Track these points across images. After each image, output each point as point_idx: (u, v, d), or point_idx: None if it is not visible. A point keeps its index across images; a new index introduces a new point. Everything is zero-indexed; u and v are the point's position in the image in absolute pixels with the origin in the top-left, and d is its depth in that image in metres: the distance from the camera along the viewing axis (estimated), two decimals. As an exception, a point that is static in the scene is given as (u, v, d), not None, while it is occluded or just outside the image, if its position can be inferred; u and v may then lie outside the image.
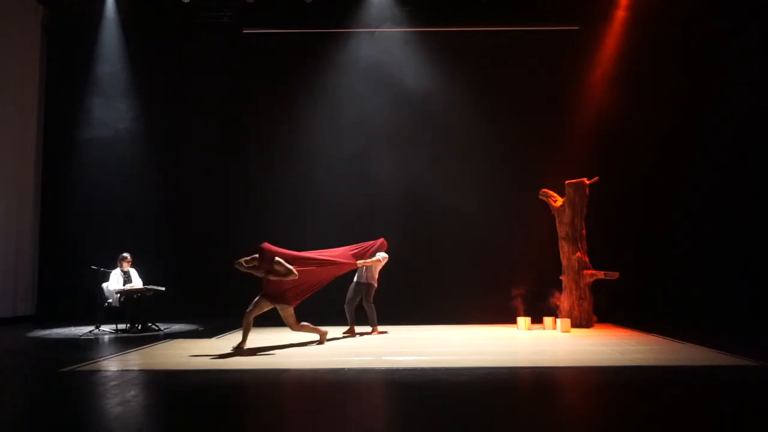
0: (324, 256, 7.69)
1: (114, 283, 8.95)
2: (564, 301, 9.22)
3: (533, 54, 10.89)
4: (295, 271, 6.93)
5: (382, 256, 8.40)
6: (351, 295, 8.46)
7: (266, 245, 7.03)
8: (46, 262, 10.92)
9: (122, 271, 9.11)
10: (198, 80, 11.09)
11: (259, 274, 6.99)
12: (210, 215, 10.94)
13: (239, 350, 6.79)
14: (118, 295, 8.90)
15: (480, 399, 4.71)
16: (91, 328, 8.78)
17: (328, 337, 7.65)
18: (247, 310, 6.98)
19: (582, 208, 9.30)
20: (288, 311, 7.08)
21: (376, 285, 8.43)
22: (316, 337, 7.50)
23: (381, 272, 8.54)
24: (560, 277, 9.33)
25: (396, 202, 10.79)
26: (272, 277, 6.93)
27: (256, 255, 6.96)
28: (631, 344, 7.26)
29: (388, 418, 4.32)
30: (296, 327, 7.19)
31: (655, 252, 10.53)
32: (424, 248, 10.69)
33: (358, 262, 8.10)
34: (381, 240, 8.56)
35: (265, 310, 7.08)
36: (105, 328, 8.84)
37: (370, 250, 8.37)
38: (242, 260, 6.95)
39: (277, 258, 6.93)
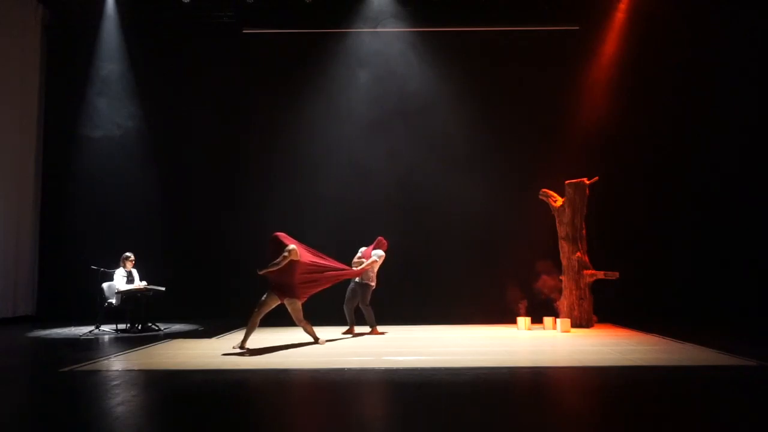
0: (331, 262, 7.83)
1: (119, 282, 8.94)
2: (564, 301, 9.22)
3: (533, 54, 10.89)
4: (282, 264, 6.94)
5: (378, 255, 8.42)
6: (350, 296, 8.49)
7: (280, 234, 7.15)
8: (46, 262, 10.91)
9: (125, 270, 9.11)
10: (198, 80, 11.09)
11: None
12: (210, 215, 10.94)
13: (240, 350, 6.81)
14: (118, 294, 8.89)
15: (480, 399, 4.71)
16: (91, 328, 8.78)
17: (328, 337, 7.79)
18: (255, 310, 7.00)
19: (582, 208, 9.30)
20: (296, 305, 7.15)
21: (373, 285, 8.44)
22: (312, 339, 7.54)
23: (380, 272, 8.55)
24: (560, 277, 9.34)
25: (396, 202, 10.78)
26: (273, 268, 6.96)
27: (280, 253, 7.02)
28: (631, 344, 7.26)
29: (388, 418, 4.32)
30: (302, 322, 7.24)
31: (655, 252, 10.53)
32: (424, 248, 10.69)
33: (357, 268, 8.19)
34: (378, 240, 8.60)
35: (273, 306, 7.10)
36: (105, 328, 8.84)
37: (369, 254, 8.44)
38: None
39: (291, 246, 7.01)
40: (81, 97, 11.12)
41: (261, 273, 6.98)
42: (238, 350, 6.81)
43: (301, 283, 7.19)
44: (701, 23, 10.63)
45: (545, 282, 9.39)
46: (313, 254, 7.52)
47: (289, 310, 7.16)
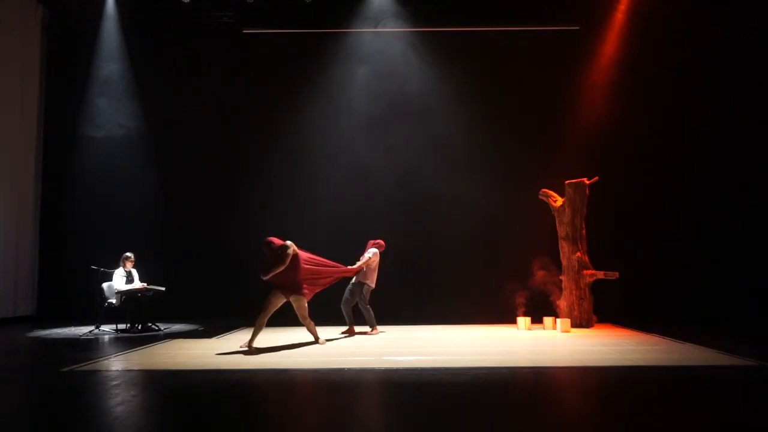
0: (325, 260, 7.84)
1: (118, 282, 8.94)
2: (564, 301, 9.22)
3: (533, 54, 10.89)
4: (287, 262, 6.98)
5: (371, 252, 8.44)
6: (347, 296, 8.50)
7: (272, 238, 7.14)
8: (46, 262, 10.91)
9: (125, 270, 9.11)
10: (198, 80, 11.09)
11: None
12: (210, 215, 10.93)
13: (247, 349, 6.83)
14: (118, 294, 8.89)
15: (480, 399, 4.71)
16: (91, 328, 8.78)
17: (327, 337, 7.81)
18: (262, 311, 7.02)
19: (582, 208, 9.30)
20: (302, 302, 7.17)
21: (371, 285, 8.44)
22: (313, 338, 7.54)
23: (380, 271, 8.55)
24: (560, 277, 9.34)
25: (396, 202, 10.78)
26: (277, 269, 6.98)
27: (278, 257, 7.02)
28: (631, 344, 7.26)
29: (388, 418, 4.32)
30: (306, 319, 7.26)
31: (655, 252, 10.52)
32: (424, 248, 10.68)
33: (354, 267, 8.22)
34: (375, 242, 8.59)
35: (279, 305, 7.13)
36: (105, 328, 8.85)
37: (364, 254, 8.46)
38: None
39: (288, 242, 7.04)
40: (81, 96, 11.13)
41: (266, 278, 6.99)
42: (247, 350, 6.85)
43: (305, 279, 7.24)
44: (701, 23, 10.62)
45: (540, 276, 9.39)
46: (306, 252, 7.56)
47: (295, 307, 7.19)
